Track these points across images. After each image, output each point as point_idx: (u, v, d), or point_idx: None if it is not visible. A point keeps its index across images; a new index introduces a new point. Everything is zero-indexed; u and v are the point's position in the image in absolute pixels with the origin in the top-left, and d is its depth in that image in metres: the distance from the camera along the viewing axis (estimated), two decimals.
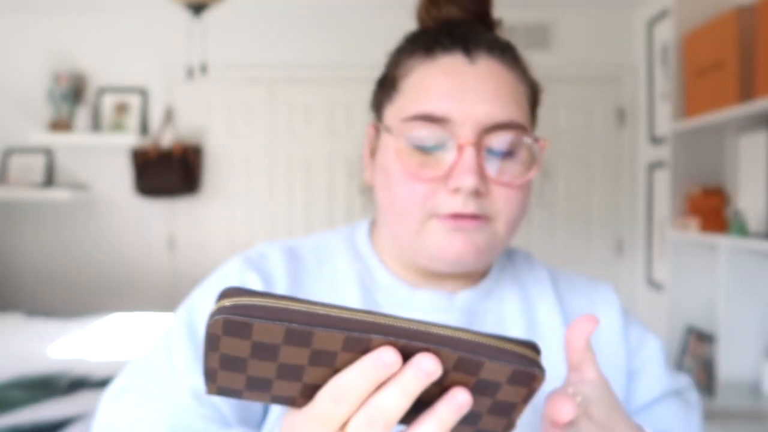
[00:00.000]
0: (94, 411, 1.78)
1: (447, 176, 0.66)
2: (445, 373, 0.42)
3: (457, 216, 0.66)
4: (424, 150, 0.67)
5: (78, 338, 2.65)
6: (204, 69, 2.93)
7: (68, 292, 3.85)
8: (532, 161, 0.69)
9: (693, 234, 2.31)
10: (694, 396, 0.80)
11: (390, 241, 0.73)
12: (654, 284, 3.39)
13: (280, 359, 0.42)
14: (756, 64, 2.00)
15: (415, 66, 0.71)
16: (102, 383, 2.08)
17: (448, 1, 0.75)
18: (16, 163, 3.81)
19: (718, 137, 2.44)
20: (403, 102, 0.70)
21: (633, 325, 0.79)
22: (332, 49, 3.75)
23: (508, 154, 0.68)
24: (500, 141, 0.67)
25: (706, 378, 2.34)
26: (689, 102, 2.41)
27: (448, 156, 0.66)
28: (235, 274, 0.72)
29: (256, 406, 0.69)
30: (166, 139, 3.77)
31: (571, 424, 0.49)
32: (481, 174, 0.66)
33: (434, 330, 0.42)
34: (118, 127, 3.79)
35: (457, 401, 0.42)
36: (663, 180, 3.22)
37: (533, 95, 0.74)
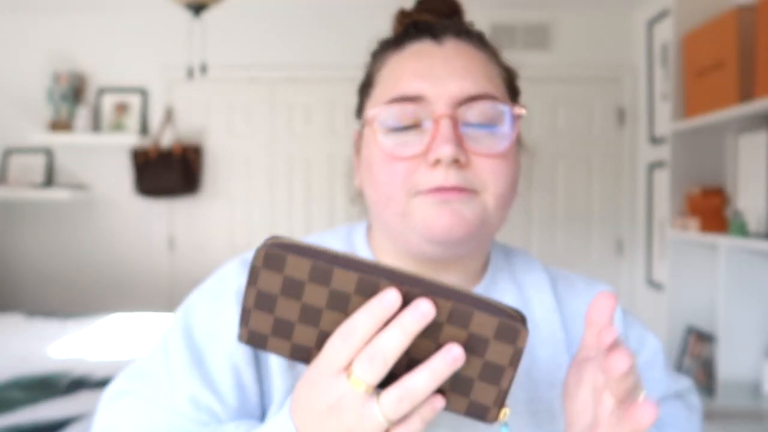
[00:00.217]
0: (93, 411, 1.78)
1: (426, 151, 0.66)
2: (440, 326, 0.49)
3: (440, 189, 0.65)
4: (401, 130, 0.67)
5: (78, 338, 2.65)
6: (204, 69, 2.93)
7: (68, 292, 3.85)
8: (511, 132, 0.69)
9: (693, 234, 2.31)
10: (695, 399, 0.79)
11: (383, 236, 0.73)
12: (654, 284, 3.39)
13: (303, 298, 0.49)
14: (756, 64, 2.00)
15: (387, 58, 0.73)
16: (102, 383, 2.08)
17: (421, 9, 0.77)
18: (16, 163, 3.81)
19: (718, 137, 2.44)
20: (379, 93, 0.71)
21: (633, 327, 0.78)
22: (332, 49, 3.74)
23: (487, 126, 0.68)
24: (476, 113, 0.67)
25: (705, 378, 2.34)
26: (689, 102, 2.41)
27: (426, 133, 0.67)
28: (233, 276, 0.72)
29: (253, 409, 0.68)
30: (166, 139, 3.77)
31: (625, 375, 0.50)
32: (459, 144, 0.65)
33: (433, 281, 0.49)
34: (118, 127, 3.79)
35: (452, 353, 0.48)
36: (663, 180, 3.22)
37: (509, 78, 0.74)
